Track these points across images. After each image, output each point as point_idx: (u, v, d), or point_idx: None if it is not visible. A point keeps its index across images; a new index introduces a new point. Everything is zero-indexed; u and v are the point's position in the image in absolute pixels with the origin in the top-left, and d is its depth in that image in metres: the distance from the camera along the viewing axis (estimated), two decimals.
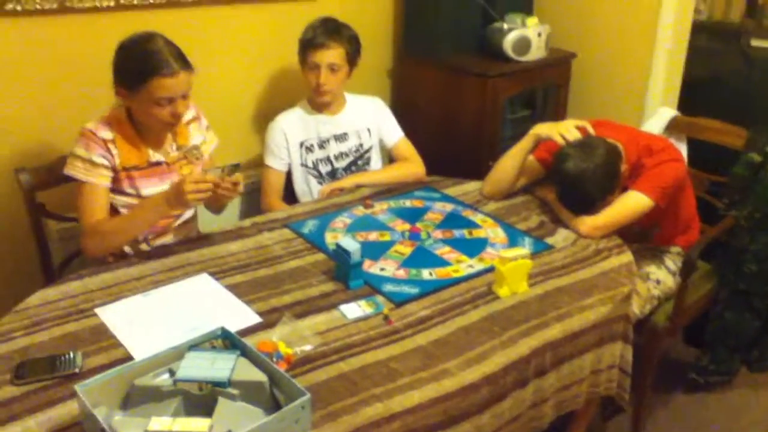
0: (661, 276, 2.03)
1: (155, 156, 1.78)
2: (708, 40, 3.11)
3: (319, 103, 2.22)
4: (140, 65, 1.62)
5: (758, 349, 2.28)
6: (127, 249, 1.78)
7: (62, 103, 2.10)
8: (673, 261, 2.08)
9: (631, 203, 1.87)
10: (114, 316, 1.49)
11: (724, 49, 3.20)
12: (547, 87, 2.82)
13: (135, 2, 2.11)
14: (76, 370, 1.29)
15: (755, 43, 2.97)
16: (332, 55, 2.10)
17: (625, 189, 1.90)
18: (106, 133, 1.70)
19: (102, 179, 1.71)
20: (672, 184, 1.88)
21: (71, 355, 1.33)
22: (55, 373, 1.29)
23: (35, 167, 1.92)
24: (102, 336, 1.42)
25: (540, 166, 2.10)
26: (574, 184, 1.81)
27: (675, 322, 2.03)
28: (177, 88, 1.65)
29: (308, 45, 2.11)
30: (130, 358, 1.35)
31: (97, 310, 1.50)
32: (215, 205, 1.94)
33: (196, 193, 1.61)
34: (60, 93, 2.09)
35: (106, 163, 1.70)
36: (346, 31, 2.15)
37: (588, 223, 1.85)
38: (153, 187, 1.77)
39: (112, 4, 2.08)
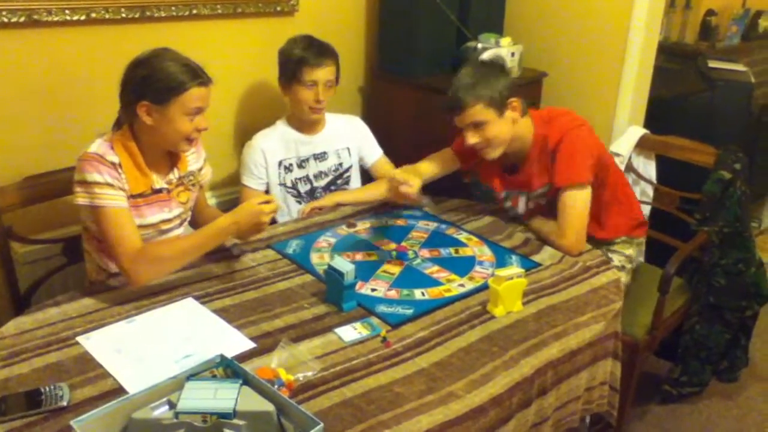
0: None
1: (159, 183, 1.70)
2: (666, 60, 3.23)
3: (312, 120, 2.20)
4: (178, 75, 1.57)
5: (728, 360, 2.35)
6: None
7: (30, 120, 2.01)
8: (618, 253, 2.08)
9: (571, 201, 1.86)
10: (99, 344, 1.41)
11: (682, 70, 3.33)
12: None
13: (107, 16, 2.04)
14: (64, 404, 1.22)
15: (713, 64, 3.10)
16: (329, 71, 2.11)
17: (554, 187, 1.91)
18: (113, 157, 1.60)
19: (125, 201, 1.61)
20: (585, 153, 1.87)
21: (57, 387, 1.25)
22: (42, 407, 1.21)
23: (1, 187, 1.82)
24: (88, 366, 1.34)
25: (456, 158, 2.11)
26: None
27: (654, 336, 2.07)
28: (207, 100, 1.64)
29: (304, 63, 2.08)
30: (120, 389, 1.28)
31: (80, 339, 1.42)
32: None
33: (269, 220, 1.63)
34: (27, 109, 1.99)
35: (120, 185, 1.60)
36: (332, 48, 2.16)
37: (566, 237, 1.86)
38: (154, 215, 1.70)
39: (82, 18, 2.00)
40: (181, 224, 1.79)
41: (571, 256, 1.85)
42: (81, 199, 1.58)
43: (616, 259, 2.08)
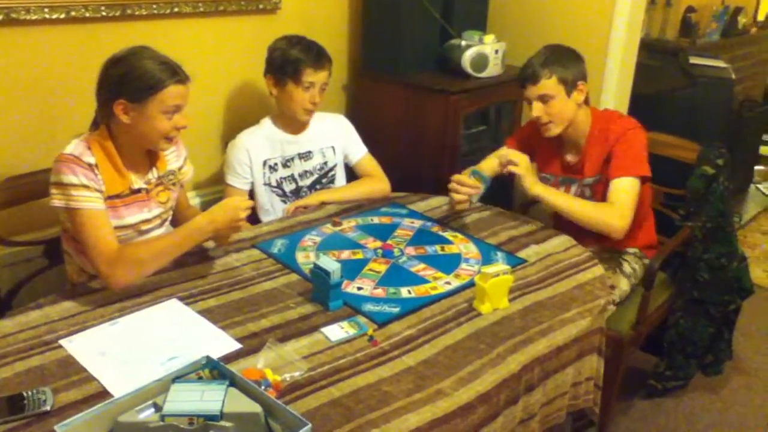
0: (616, 281, 2.08)
1: (137, 183, 1.68)
2: (647, 57, 3.26)
3: (303, 121, 2.19)
4: (156, 72, 1.56)
5: (712, 354, 2.37)
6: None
7: (9, 120, 1.97)
8: (629, 263, 2.13)
9: (628, 187, 1.95)
10: (82, 347, 1.39)
11: (663, 66, 3.36)
12: (502, 103, 2.86)
13: (87, 15, 2.01)
14: (48, 408, 1.20)
15: (694, 60, 3.12)
16: (325, 75, 2.13)
17: (605, 178, 1.99)
18: (90, 158, 1.58)
19: (102, 203, 1.59)
20: (643, 152, 2.00)
21: (40, 391, 1.23)
22: (25, 412, 1.19)
23: None
24: (71, 369, 1.32)
25: None
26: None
27: (639, 332, 2.09)
28: (186, 97, 1.63)
29: (306, 65, 2.08)
30: (104, 392, 1.26)
31: (63, 342, 1.40)
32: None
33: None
34: (6, 109, 1.96)
35: (97, 187, 1.58)
36: (328, 52, 2.16)
37: (623, 218, 1.91)
38: (133, 216, 1.68)
39: (62, 16, 1.97)
40: (161, 224, 1.77)
41: (615, 238, 1.93)
42: (57, 200, 1.57)
43: (627, 267, 2.12)
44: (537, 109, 2.00)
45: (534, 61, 1.99)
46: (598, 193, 2.05)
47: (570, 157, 2.12)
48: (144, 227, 1.71)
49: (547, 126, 2.03)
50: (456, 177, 2.00)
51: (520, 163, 1.96)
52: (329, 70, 2.15)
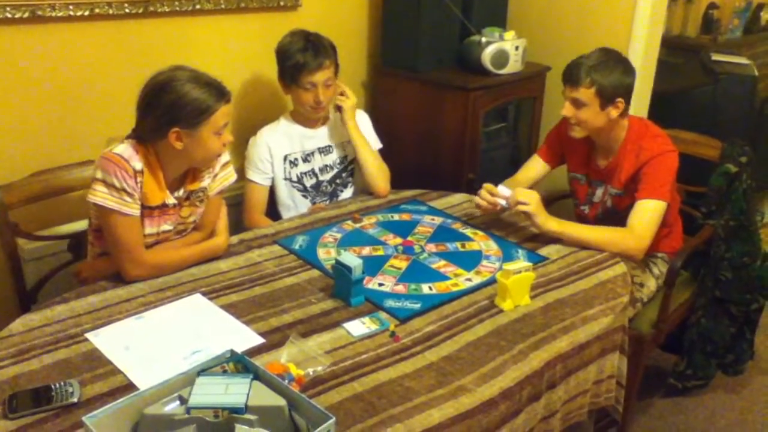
0: (645, 280, 2.08)
1: (170, 198, 1.68)
2: (667, 54, 3.23)
3: (315, 118, 2.20)
4: (206, 96, 1.58)
5: (734, 354, 2.35)
6: None
7: (34, 116, 2.00)
8: (656, 265, 2.13)
9: (651, 209, 1.92)
10: (107, 340, 1.41)
11: (684, 63, 3.33)
12: (522, 100, 2.85)
13: (110, 12, 2.03)
14: (75, 400, 1.22)
15: (716, 57, 3.09)
16: (326, 72, 2.10)
17: (633, 196, 1.97)
18: (138, 164, 1.59)
19: (137, 209, 1.61)
20: (672, 176, 1.98)
21: (67, 384, 1.25)
22: (53, 404, 1.21)
23: (7, 184, 1.82)
24: (97, 362, 1.34)
25: (544, 163, 2.24)
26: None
27: (660, 330, 2.07)
28: (231, 113, 1.66)
29: (302, 68, 2.06)
30: (130, 384, 1.28)
31: (89, 335, 1.42)
32: None
33: None
34: (31, 105, 1.99)
35: (137, 194, 1.60)
36: (329, 44, 2.13)
37: (642, 239, 1.88)
38: (156, 227, 1.68)
39: (86, 13, 1.98)
40: (177, 234, 1.77)
41: (634, 261, 1.91)
42: (94, 197, 1.57)
43: (655, 269, 2.12)
44: (567, 109, 1.97)
45: (582, 63, 1.93)
46: (620, 205, 2.04)
47: (601, 161, 2.10)
48: (162, 237, 1.72)
49: (572, 127, 2.01)
50: (488, 185, 1.98)
51: (531, 202, 1.87)
52: (331, 66, 2.10)
